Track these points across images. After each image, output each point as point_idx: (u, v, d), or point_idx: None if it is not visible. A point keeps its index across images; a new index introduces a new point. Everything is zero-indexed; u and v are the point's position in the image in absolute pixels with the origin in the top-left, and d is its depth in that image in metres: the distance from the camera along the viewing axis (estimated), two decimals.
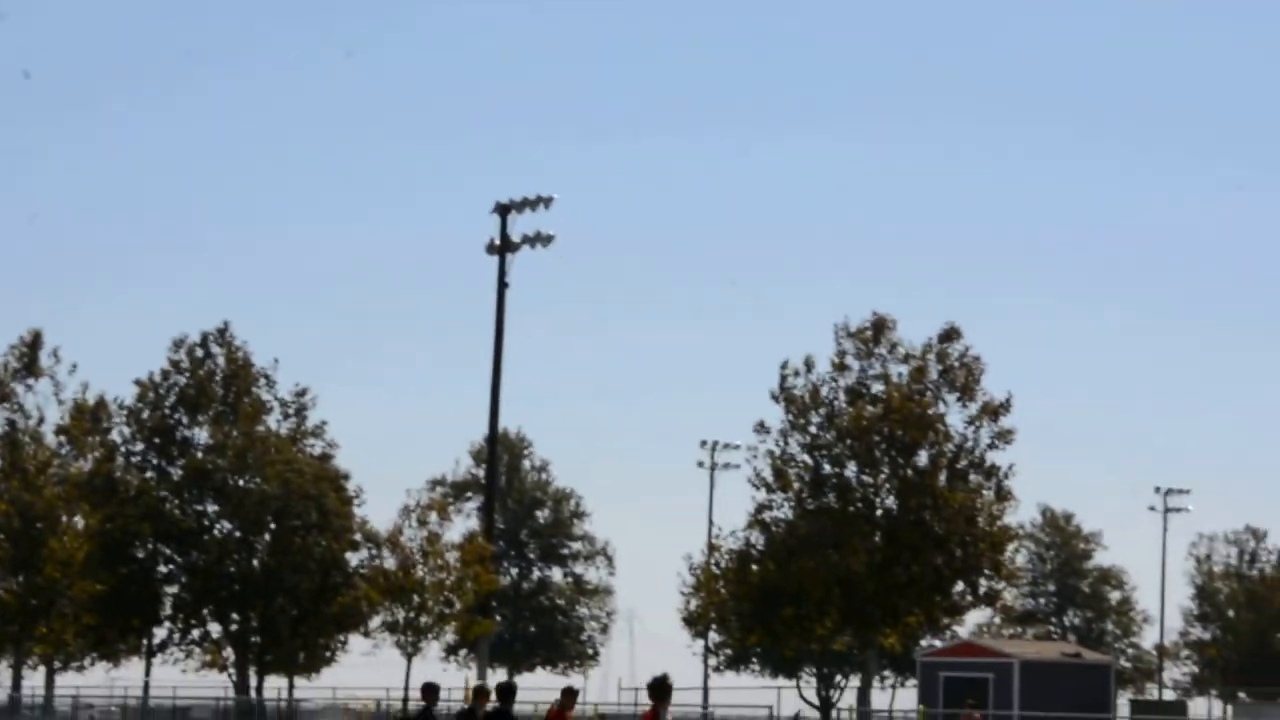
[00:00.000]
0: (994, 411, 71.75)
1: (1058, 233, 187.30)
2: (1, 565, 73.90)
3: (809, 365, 72.97)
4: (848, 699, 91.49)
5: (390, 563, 68.84)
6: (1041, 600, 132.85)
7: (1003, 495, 72.02)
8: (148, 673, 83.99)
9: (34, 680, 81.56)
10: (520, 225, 67.87)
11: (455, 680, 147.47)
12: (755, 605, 71.99)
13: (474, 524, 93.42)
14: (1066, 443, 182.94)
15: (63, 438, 76.77)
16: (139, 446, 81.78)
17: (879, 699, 74.71)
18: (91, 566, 74.88)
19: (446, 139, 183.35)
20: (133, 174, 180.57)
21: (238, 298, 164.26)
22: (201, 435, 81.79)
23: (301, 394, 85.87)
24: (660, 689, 24.46)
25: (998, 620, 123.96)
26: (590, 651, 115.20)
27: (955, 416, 72.60)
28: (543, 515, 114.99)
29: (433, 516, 69.36)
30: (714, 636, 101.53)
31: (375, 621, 74.34)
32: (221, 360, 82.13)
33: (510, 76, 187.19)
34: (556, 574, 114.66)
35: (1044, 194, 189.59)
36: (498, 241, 68.63)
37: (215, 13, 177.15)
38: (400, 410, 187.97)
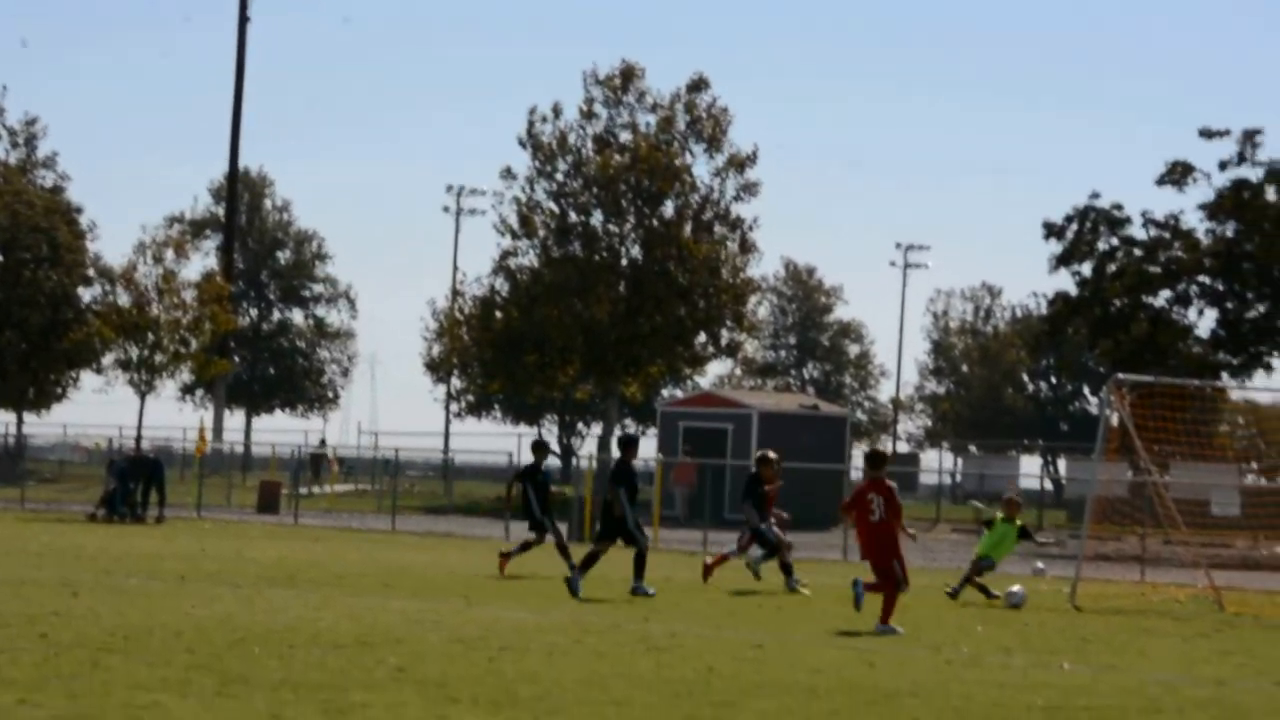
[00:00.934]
0: (740, 164, 71.70)
1: None
2: None
3: (557, 112, 71.94)
4: (588, 447, 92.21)
5: (124, 300, 67.59)
6: (782, 353, 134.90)
7: (746, 248, 72.24)
8: None
9: None
10: None
11: (190, 420, 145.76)
12: (498, 352, 71.69)
13: (212, 263, 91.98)
14: (811, 197, 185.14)
15: None
16: None
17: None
18: None
19: None
20: None
21: None
22: None
23: (31, 123, 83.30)
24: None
25: (738, 372, 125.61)
26: (331, 395, 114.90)
27: (702, 167, 72.47)
28: (284, 256, 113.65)
29: (169, 254, 68.14)
30: (456, 383, 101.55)
31: (108, 359, 73.18)
32: None
33: None
34: (297, 316, 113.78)
35: None
36: None
37: None
38: (138, 145, 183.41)
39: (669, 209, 71.69)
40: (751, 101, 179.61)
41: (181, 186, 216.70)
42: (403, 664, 16.53)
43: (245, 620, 20.23)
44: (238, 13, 67.46)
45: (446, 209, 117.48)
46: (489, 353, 72.81)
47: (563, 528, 37.50)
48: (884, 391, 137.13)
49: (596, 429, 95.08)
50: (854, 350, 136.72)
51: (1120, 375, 33.47)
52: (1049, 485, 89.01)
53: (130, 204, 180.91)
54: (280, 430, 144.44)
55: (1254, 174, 55.90)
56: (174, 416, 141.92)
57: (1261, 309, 56.22)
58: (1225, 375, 56.63)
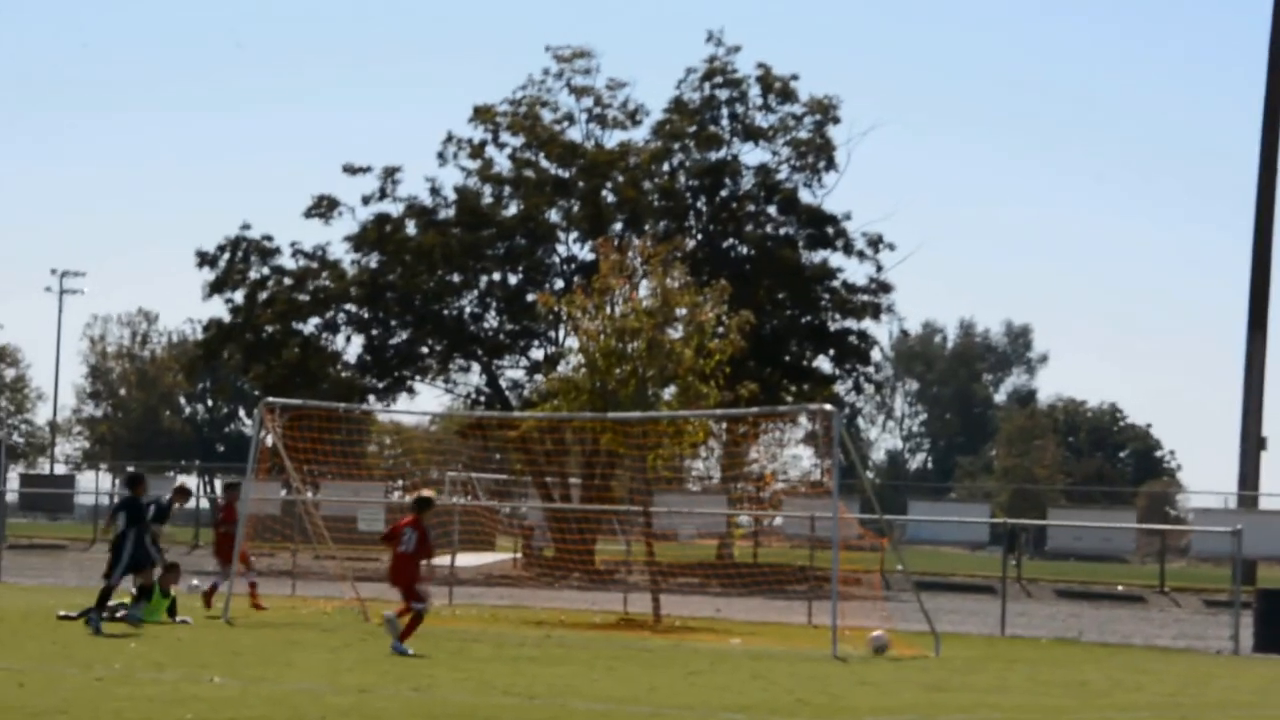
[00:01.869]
0: None
1: None
2: None
3: None
4: None
5: None
6: None
7: None
8: None
9: None
10: None
11: None
12: None
13: None
14: None
15: None
16: None
17: None
18: None
19: None
20: None
21: None
22: None
23: None
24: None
25: None
26: None
27: None
28: None
29: None
30: None
31: None
32: None
33: None
34: None
35: None
36: None
37: None
38: None
39: None
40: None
41: None
42: None
43: None
44: None
45: None
46: None
47: None
48: (41, 415, 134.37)
49: None
50: (10, 374, 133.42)
51: (271, 399, 34.70)
52: (205, 504, 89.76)
53: None
54: None
55: (395, 209, 58.40)
56: None
57: (404, 335, 58.76)
58: (373, 398, 58.85)
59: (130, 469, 27.10)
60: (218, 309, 61.36)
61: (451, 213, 58.31)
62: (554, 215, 58.78)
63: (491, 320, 59.55)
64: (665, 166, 59.10)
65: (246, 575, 32.93)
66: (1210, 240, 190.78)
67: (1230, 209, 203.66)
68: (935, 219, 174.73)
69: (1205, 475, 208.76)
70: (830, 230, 58.65)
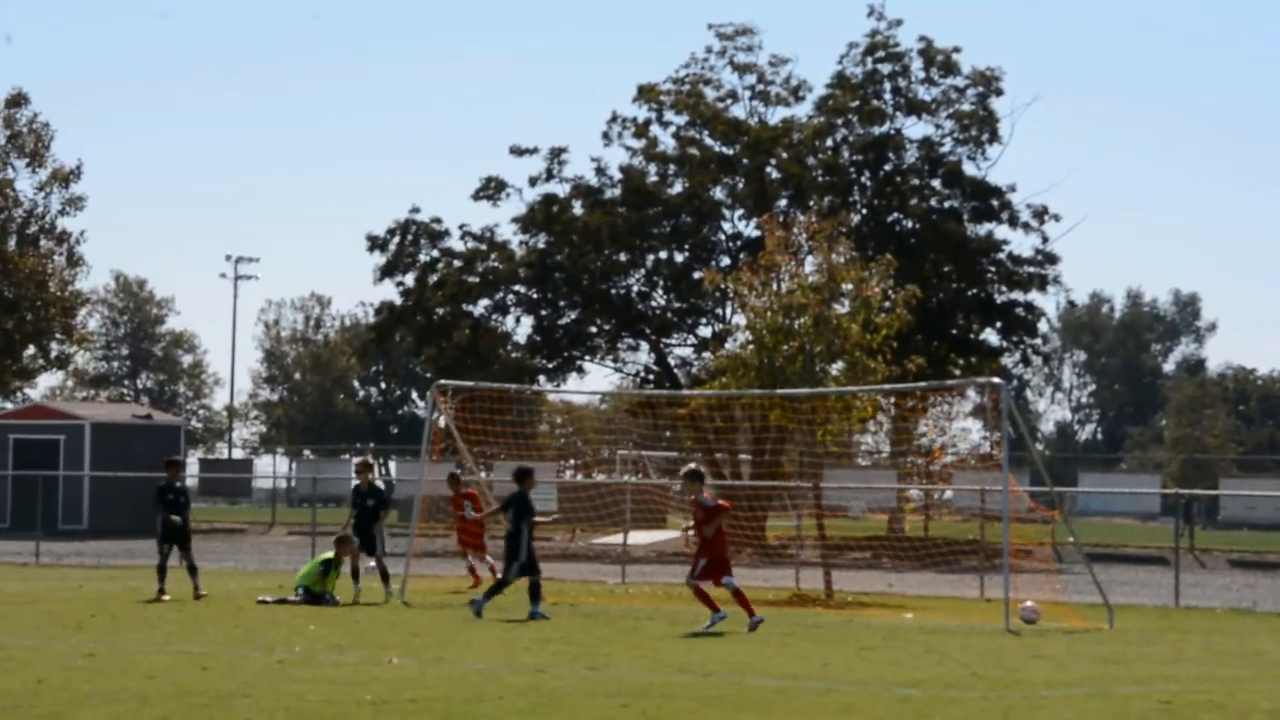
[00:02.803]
0: (64, 178, 71.41)
1: None
2: None
3: None
4: None
5: None
6: (115, 364, 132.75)
7: (74, 261, 72.04)
8: None
9: None
10: None
11: None
12: None
13: None
14: (139, 210, 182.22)
15: None
16: None
17: None
18: None
19: None
20: None
21: None
22: None
23: None
24: None
25: (71, 383, 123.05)
26: None
27: (25, 182, 71.78)
28: None
29: None
30: None
31: None
32: None
33: None
34: None
35: None
36: None
37: None
38: None
39: None
40: (76, 116, 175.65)
41: None
42: None
43: None
44: None
45: None
46: None
47: None
48: (219, 400, 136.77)
49: None
50: (187, 360, 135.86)
51: (444, 381, 35.13)
52: (381, 485, 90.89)
53: None
54: None
55: (561, 190, 58.79)
56: None
57: (573, 315, 59.11)
58: (542, 379, 59.26)
59: (520, 466, 27.73)
60: (389, 292, 62.21)
61: (617, 192, 58.60)
62: (719, 193, 58.87)
63: (659, 299, 59.77)
64: (829, 142, 58.94)
65: (476, 560, 33.79)
66: None
67: None
68: (1100, 188, 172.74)
69: None
70: (995, 202, 58.20)
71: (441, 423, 33.43)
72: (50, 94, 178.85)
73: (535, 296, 58.86)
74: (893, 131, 58.91)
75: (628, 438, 63.73)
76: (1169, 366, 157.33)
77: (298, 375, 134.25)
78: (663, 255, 59.10)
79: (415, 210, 59.39)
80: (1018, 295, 58.47)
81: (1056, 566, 34.14)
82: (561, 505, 56.21)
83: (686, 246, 59.15)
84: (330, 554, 29.74)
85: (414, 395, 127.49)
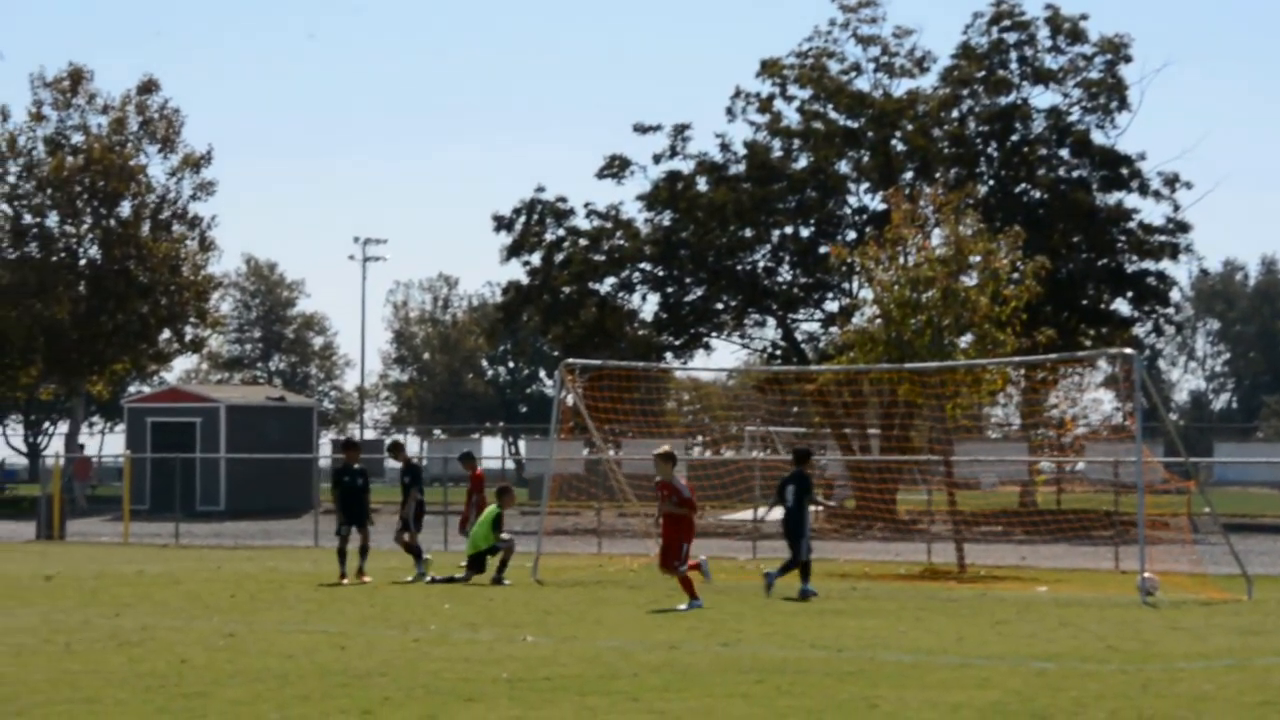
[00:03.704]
0: (195, 163, 72.58)
1: None
2: None
3: (4, 114, 72.12)
4: (56, 445, 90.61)
5: None
6: (248, 346, 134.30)
7: (206, 245, 73.20)
8: None
9: None
10: None
11: None
12: None
13: None
14: (269, 194, 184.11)
15: None
16: None
17: (88, 444, 74.73)
18: None
19: None
20: None
21: None
22: None
23: None
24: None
25: (205, 366, 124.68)
26: None
27: (157, 168, 73.01)
28: None
29: None
30: None
31: None
32: None
33: None
34: None
35: None
36: None
37: None
38: None
39: (126, 209, 71.98)
40: (205, 101, 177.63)
41: None
42: None
43: None
44: None
45: None
46: None
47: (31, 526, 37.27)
48: (350, 380, 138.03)
49: (64, 426, 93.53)
50: (318, 342, 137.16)
51: (571, 359, 35.27)
52: (510, 464, 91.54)
53: None
54: None
55: (685, 166, 58.78)
56: None
57: (699, 292, 59.14)
58: (669, 356, 59.38)
59: (797, 446, 28.26)
60: (516, 272, 62.64)
61: (742, 168, 58.54)
62: (844, 166, 58.66)
63: (785, 274, 59.67)
64: (954, 113, 58.57)
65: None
66: None
67: None
68: (1232, 155, 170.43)
69: None
70: (1125, 171, 57.61)
71: (570, 401, 33.55)
72: (179, 79, 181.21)
73: (661, 274, 58.92)
74: (1019, 101, 58.43)
75: (755, 414, 63.67)
76: None
77: (427, 356, 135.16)
78: (788, 230, 58.96)
79: (540, 189, 59.71)
80: (1149, 264, 57.88)
81: (1193, 538, 33.77)
82: (691, 481, 56.19)
83: (812, 221, 58.99)
84: (496, 507, 29.89)
85: (542, 374, 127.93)
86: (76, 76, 71.71)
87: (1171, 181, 57.64)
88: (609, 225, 59.04)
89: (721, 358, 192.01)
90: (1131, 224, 57.64)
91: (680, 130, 58.88)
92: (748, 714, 14.11)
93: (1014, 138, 58.34)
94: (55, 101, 71.73)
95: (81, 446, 60.02)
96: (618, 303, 59.20)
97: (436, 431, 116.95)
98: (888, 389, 42.30)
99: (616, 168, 59.25)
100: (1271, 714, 14.33)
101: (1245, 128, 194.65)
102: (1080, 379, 68.88)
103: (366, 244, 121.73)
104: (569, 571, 31.87)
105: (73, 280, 70.98)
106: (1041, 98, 58.82)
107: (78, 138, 71.74)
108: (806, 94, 58.62)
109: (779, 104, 58.88)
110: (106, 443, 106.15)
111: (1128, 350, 29.32)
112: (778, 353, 61.30)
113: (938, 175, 54.51)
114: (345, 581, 28.75)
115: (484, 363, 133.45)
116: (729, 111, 59.26)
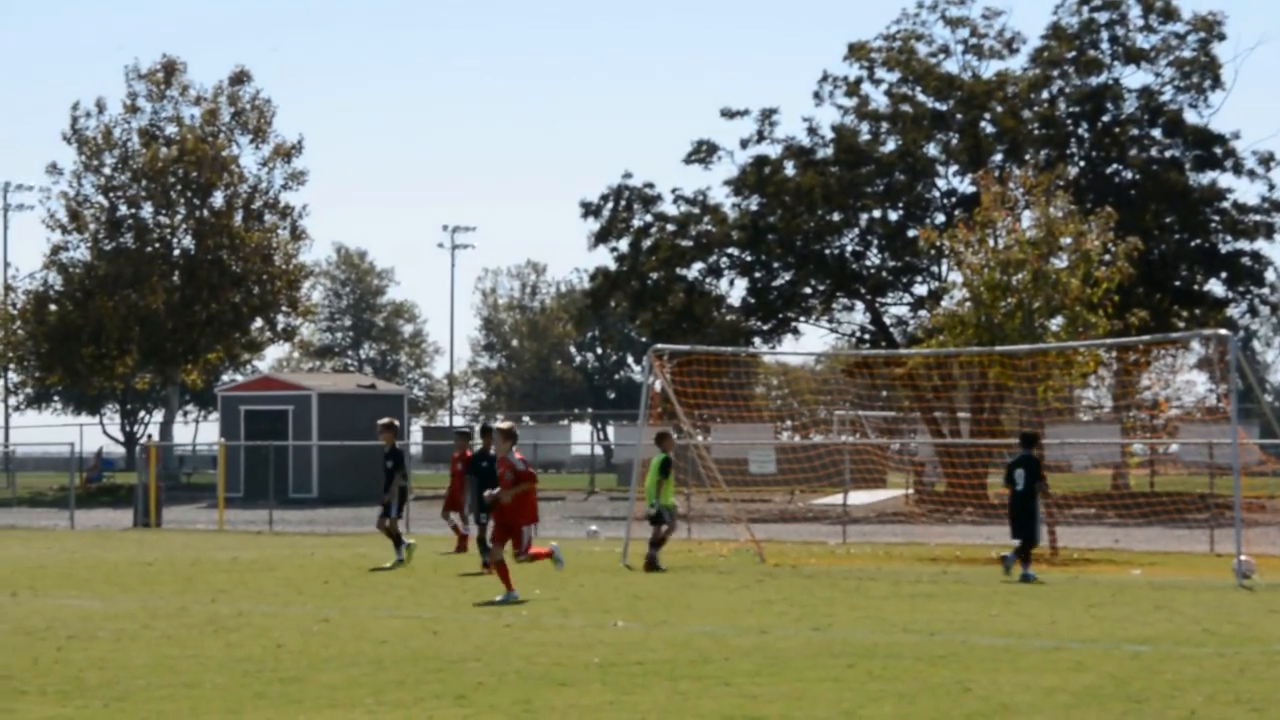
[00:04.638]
0: (286, 153, 73.18)
1: None
2: None
3: (100, 107, 72.97)
4: (151, 434, 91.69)
5: None
6: (338, 335, 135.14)
7: (297, 234, 73.79)
8: None
9: None
10: None
11: None
12: (54, 345, 71.57)
13: None
14: (358, 183, 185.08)
15: None
16: None
17: (182, 433, 75.48)
18: None
19: None
20: None
21: None
22: None
23: None
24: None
25: (297, 355, 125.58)
26: None
27: (249, 158, 73.71)
28: None
29: None
30: (13, 376, 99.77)
31: None
32: None
33: None
34: None
35: None
36: None
37: None
38: None
39: (219, 199, 72.71)
40: (294, 91, 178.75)
41: None
42: None
43: None
44: None
45: None
46: (45, 345, 72.33)
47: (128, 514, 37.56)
48: (439, 368, 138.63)
49: (159, 415, 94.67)
50: (408, 329, 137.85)
51: (660, 345, 35.31)
52: (599, 451, 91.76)
53: None
54: None
55: (773, 151, 58.65)
56: None
57: (787, 277, 59.01)
58: (758, 341, 59.30)
59: (1028, 430, 28.50)
60: (603, 258, 62.64)
61: (829, 152, 58.37)
62: (932, 149, 58.39)
63: (873, 258, 59.49)
64: (1044, 94, 58.17)
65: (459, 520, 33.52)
66: None
67: None
68: None
69: None
70: (1219, 150, 57.05)
71: (658, 387, 33.59)
72: (270, 70, 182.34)
73: (749, 259, 58.85)
74: (1111, 81, 57.98)
75: (844, 398, 63.52)
76: None
77: (515, 342, 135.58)
78: (876, 214, 58.75)
79: (628, 176, 59.72)
80: (1243, 244, 57.31)
81: None
82: (779, 466, 56.23)
83: (900, 204, 58.77)
84: (660, 455, 29.39)
85: (630, 360, 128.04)
86: (170, 69, 72.58)
87: (1266, 160, 57.04)
88: (696, 211, 59.01)
89: (810, 342, 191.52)
90: (1225, 204, 57.10)
91: (768, 115, 58.80)
92: (839, 698, 14.11)
93: (1105, 118, 57.89)
94: (149, 93, 72.67)
95: (150, 435, 60.83)
96: (705, 288, 59.16)
97: (525, 418, 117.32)
98: (978, 372, 42.12)
99: (704, 153, 59.22)
100: None
101: None
102: (1173, 361, 68.33)
103: (455, 232, 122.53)
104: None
105: (167, 270, 71.79)
106: (1133, 77, 58.39)
107: (171, 129, 72.60)
108: (894, 77, 58.40)
109: (867, 87, 58.70)
110: (200, 430, 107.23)
111: (1222, 331, 29.11)
112: (866, 337, 61.10)
113: (1028, 157, 54.15)
114: (489, 572, 27.55)
115: (572, 349, 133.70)
116: (816, 95, 59.16)
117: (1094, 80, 57.90)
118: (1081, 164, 57.39)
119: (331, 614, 21.00)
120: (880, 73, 58.48)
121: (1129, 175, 57.51)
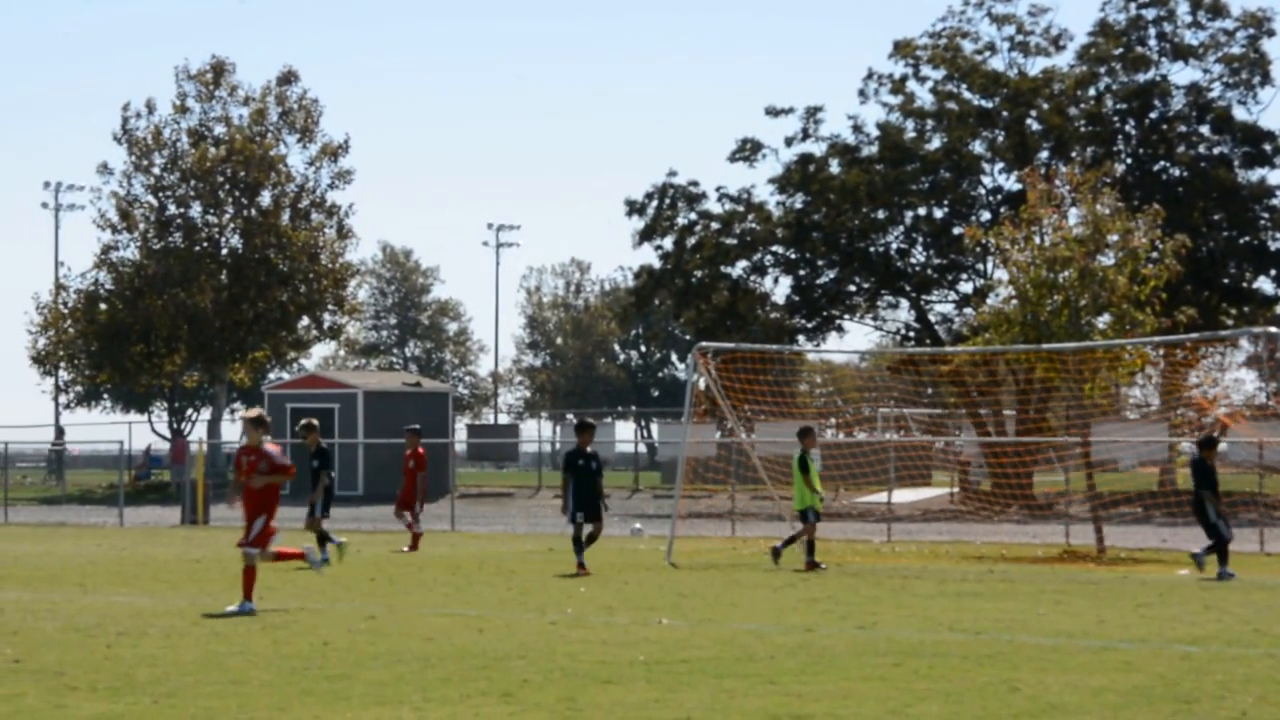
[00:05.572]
0: (333, 152, 73.48)
1: None
2: None
3: (150, 107, 73.40)
4: (199, 431, 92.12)
5: None
6: (384, 333, 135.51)
7: (344, 233, 74.06)
8: None
9: None
10: None
11: None
12: (104, 343, 72.14)
13: None
14: (403, 182, 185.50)
15: None
16: None
17: (230, 431, 75.80)
18: None
19: None
20: None
21: None
22: None
23: None
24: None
25: (343, 353, 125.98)
26: None
27: (296, 157, 74.04)
28: None
29: None
30: (64, 375, 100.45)
31: None
32: None
33: None
34: None
35: None
36: None
37: None
38: None
39: (266, 198, 73.02)
40: (341, 91, 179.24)
41: None
42: (19, 654, 16.68)
43: None
44: None
45: (45, 205, 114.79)
46: (95, 344, 72.85)
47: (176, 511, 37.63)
48: (484, 366, 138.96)
49: (206, 414, 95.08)
50: (453, 328, 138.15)
51: (704, 343, 35.31)
52: (643, 449, 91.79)
53: None
54: None
55: (817, 149, 58.58)
56: None
57: (831, 275, 58.93)
58: (802, 338, 59.25)
59: (1202, 436, 28.58)
60: (648, 256, 62.76)
61: (874, 149, 58.26)
62: (978, 147, 58.22)
63: (918, 255, 59.36)
64: (1091, 91, 57.96)
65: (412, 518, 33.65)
66: None
67: None
68: None
69: None
70: (1268, 147, 56.75)
71: (702, 384, 33.59)
72: (317, 69, 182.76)
73: (793, 257, 58.78)
74: (1158, 78, 57.73)
75: (888, 395, 63.41)
76: None
77: (560, 340, 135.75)
78: (921, 212, 58.63)
79: (672, 174, 59.75)
80: None
81: None
82: (825, 464, 56.10)
83: (946, 202, 58.63)
84: (798, 452, 29.29)
85: (674, 358, 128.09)
86: (219, 69, 73.03)
87: None
88: (741, 209, 58.97)
89: (854, 340, 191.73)
90: (1275, 200, 56.80)
91: (812, 112, 58.73)
92: (885, 697, 14.07)
93: (1153, 115, 57.65)
94: (198, 94, 73.13)
95: (178, 432, 61.22)
96: (750, 286, 59.12)
97: (569, 416, 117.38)
98: (1024, 370, 41.99)
99: (748, 151, 59.19)
100: None
101: None
102: (1222, 359, 68.01)
103: (500, 230, 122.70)
104: (703, 555, 31.91)
105: (215, 269, 72.20)
106: (1181, 74, 58.17)
107: (220, 129, 73.00)
108: (940, 74, 58.25)
109: (912, 85, 58.57)
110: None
111: (1272, 329, 28.99)
112: (911, 334, 60.96)
113: (1074, 154, 53.98)
114: (585, 571, 27.20)
115: (616, 347, 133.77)
116: (861, 93, 59.07)
117: (1141, 77, 57.66)
118: (1129, 161, 57.16)
119: (377, 611, 21.04)
120: (926, 70, 58.38)
121: (1177, 172, 57.26)
